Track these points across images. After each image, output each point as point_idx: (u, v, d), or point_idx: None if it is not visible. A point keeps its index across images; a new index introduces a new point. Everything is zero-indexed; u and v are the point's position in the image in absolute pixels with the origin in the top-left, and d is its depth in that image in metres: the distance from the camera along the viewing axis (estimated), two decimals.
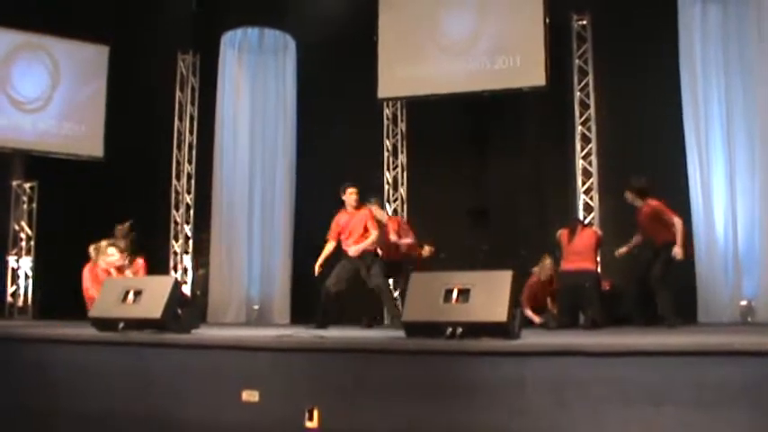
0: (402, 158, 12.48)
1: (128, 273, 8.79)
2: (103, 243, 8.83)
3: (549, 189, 11.50)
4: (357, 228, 9.22)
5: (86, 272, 8.75)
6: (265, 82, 13.10)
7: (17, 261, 12.96)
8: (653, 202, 8.71)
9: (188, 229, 13.34)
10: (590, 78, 11.43)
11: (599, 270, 9.83)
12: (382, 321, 10.53)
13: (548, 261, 9.73)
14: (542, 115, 11.59)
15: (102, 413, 5.84)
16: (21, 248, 13.00)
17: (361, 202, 9.44)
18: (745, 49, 10.31)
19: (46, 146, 12.76)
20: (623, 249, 9.19)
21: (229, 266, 12.58)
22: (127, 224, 9.27)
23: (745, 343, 4.42)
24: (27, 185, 13.16)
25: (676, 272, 8.77)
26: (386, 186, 12.38)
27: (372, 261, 9.17)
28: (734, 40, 10.42)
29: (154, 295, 6.56)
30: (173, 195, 13.31)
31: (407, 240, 9.83)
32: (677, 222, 8.53)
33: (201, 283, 13.11)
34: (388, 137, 12.51)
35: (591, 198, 11.21)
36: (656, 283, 8.56)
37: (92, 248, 8.89)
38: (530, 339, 5.39)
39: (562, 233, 9.47)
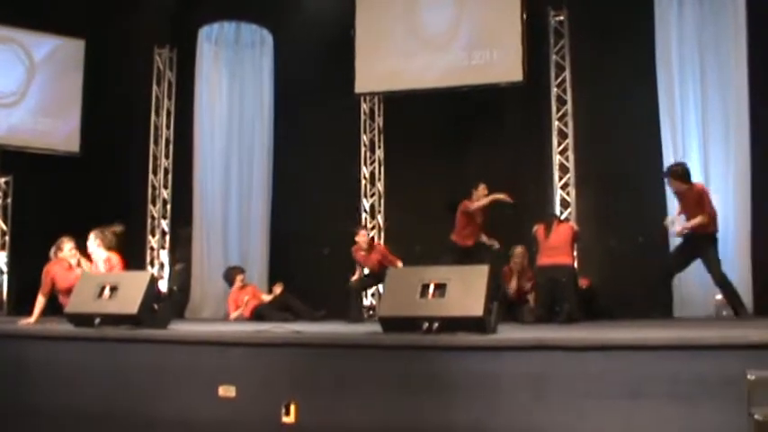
0: (379, 153, 12.49)
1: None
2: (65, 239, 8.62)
3: (525, 184, 11.52)
4: None
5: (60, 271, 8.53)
6: (242, 76, 13.04)
7: None
8: (698, 186, 8.72)
9: (165, 224, 13.28)
10: (567, 74, 11.45)
11: (575, 265, 9.87)
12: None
13: (519, 249, 9.97)
14: (519, 110, 11.62)
15: (78, 409, 5.81)
16: None
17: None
18: (720, 44, 10.36)
19: (21, 140, 12.65)
20: (679, 229, 8.81)
21: (208, 262, 12.53)
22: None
23: (719, 337, 4.45)
24: (2, 180, 13.02)
25: (653, 265, 8.82)
26: (363, 181, 12.38)
27: None
28: (710, 35, 10.46)
29: (130, 291, 6.55)
30: (149, 190, 13.23)
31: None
32: (703, 218, 8.46)
33: (178, 279, 13.06)
34: (365, 131, 12.51)
35: (567, 193, 11.24)
36: (722, 280, 8.52)
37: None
38: (506, 334, 5.41)
39: (538, 228, 9.51)
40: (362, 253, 10.65)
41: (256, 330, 6.23)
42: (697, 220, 8.44)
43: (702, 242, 8.58)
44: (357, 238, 10.71)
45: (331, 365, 5.22)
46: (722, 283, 8.54)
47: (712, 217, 8.60)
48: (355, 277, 10.72)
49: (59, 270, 8.33)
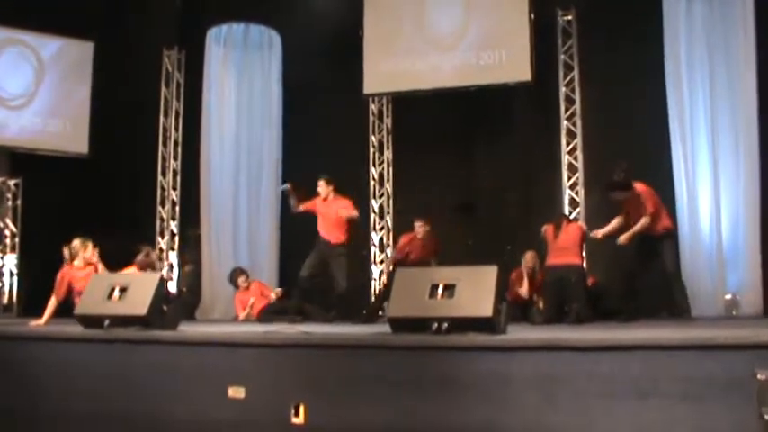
0: (388, 154, 12.49)
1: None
2: (76, 242, 8.62)
3: (534, 184, 11.52)
4: None
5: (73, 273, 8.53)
6: (251, 78, 13.04)
7: (2, 258, 12.91)
8: (640, 187, 8.69)
9: (174, 226, 13.30)
10: (575, 74, 11.43)
11: (585, 265, 9.84)
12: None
13: (528, 254, 9.91)
14: (528, 110, 11.60)
15: (87, 411, 5.82)
16: (5, 246, 12.94)
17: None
18: (730, 44, 10.33)
19: (31, 143, 12.70)
20: (604, 231, 8.99)
21: (217, 263, 12.54)
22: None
23: (729, 337, 4.44)
24: (12, 182, 13.10)
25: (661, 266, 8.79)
26: (371, 182, 12.38)
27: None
28: (719, 34, 10.42)
29: (139, 292, 6.56)
30: (158, 192, 13.26)
31: None
32: (645, 220, 8.54)
33: (188, 280, 13.07)
34: (373, 132, 12.52)
35: (576, 193, 11.22)
36: (674, 278, 8.71)
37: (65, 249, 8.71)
38: (516, 334, 5.40)
39: (547, 229, 9.47)
40: (419, 240, 10.48)
41: (266, 331, 6.23)
42: (641, 223, 8.53)
43: (655, 242, 8.65)
44: (418, 227, 10.54)
45: (340, 366, 5.22)
46: (675, 278, 8.71)
47: (656, 215, 8.63)
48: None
49: (77, 272, 8.32)
